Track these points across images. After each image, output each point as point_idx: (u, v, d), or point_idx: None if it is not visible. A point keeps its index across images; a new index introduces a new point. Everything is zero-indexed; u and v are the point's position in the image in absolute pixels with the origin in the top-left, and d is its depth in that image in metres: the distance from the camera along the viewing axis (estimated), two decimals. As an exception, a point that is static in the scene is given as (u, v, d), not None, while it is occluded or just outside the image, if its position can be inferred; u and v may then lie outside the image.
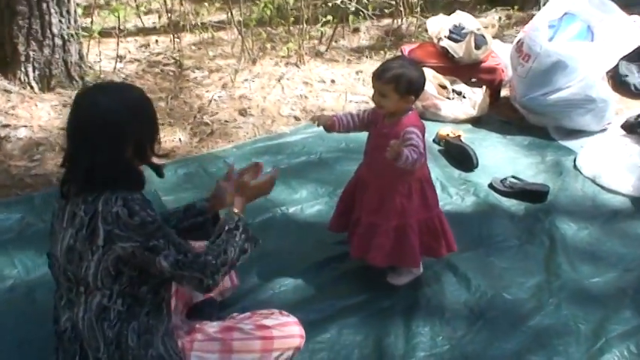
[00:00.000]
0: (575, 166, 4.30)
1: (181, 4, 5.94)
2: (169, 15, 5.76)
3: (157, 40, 5.78)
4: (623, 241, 3.62)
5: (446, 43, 4.95)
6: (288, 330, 2.51)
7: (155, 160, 2.31)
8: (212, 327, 2.47)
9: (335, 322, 2.94)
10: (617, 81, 5.25)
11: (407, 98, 2.84)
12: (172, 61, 5.39)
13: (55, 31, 4.48)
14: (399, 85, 2.79)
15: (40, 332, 2.74)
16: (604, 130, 4.71)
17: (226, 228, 2.34)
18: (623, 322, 3.04)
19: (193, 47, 5.72)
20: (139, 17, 5.82)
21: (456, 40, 4.93)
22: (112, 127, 2.13)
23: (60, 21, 4.48)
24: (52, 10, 4.41)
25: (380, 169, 2.96)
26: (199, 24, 5.94)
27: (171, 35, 5.68)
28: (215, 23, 6.10)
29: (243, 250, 2.34)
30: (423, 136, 2.89)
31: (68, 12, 4.51)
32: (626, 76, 5.37)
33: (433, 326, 2.96)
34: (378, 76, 2.85)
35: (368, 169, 3.08)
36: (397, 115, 2.89)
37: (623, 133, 4.63)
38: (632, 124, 4.58)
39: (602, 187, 4.10)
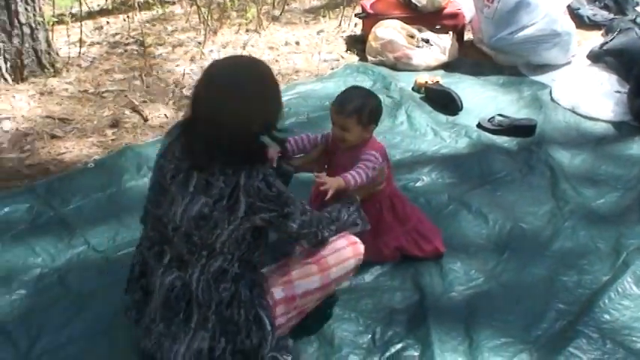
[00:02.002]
0: (552, 99, 4.47)
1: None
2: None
3: (107, 22, 5.66)
4: (615, 163, 3.81)
5: (408, -7, 5.03)
6: (354, 237, 2.64)
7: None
8: (298, 256, 2.54)
9: (368, 271, 2.99)
10: (571, 14, 5.42)
11: (368, 128, 2.79)
12: (132, 40, 5.30)
13: (23, 19, 4.34)
14: (361, 116, 2.73)
15: (79, 316, 2.74)
16: (570, 62, 4.90)
17: (342, 200, 2.58)
18: (637, 236, 3.21)
19: (147, 25, 5.63)
20: (80, 2, 5.63)
21: (418, -11, 5.01)
22: (251, 102, 2.19)
23: (26, 9, 4.33)
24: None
25: None
26: (149, 1, 5.86)
27: (124, 15, 5.60)
28: (163, -1, 6.03)
29: (354, 222, 2.57)
30: (384, 155, 2.87)
31: (33, 0, 4.37)
32: (578, 9, 5.58)
33: (463, 262, 3.06)
34: (339, 111, 2.75)
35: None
36: (357, 146, 2.82)
37: (589, 62, 4.83)
38: (597, 53, 4.78)
39: (583, 116, 4.29)
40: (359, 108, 2.72)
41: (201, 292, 2.28)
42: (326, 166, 2.94)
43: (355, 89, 2.95)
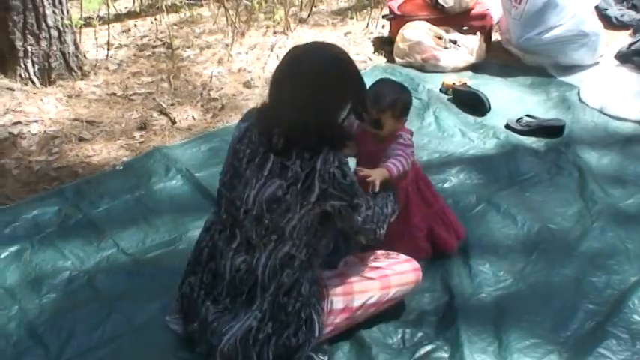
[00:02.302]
0: (580, 100, 4.44)
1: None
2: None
3: (135, 25, 5.71)
4: (643, 164, 3.79)
5: (435, -7, 5.02)
6: (416, 263, 2.73)
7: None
8: (361, 269, 2.58)
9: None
10: (599, 15, 5.38)
11: (401, 120, 2.82)
12: (160, 43, 5.35)
13: (51, 23, 4.39)
14: (395, 110, 2.76)
15: (109, 318, 2.77)
16: (597, 62, 4.86)
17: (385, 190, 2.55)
18: (666, 237, 3.19)
19: (175, 27, 5.67)
20: (107, 4, 5.63)
21: (445, -10, 5.00)
22: (342, 86, 2.24)
23: (54, 12, 4.39)
24: (45, 2, 4.33)
25: None
26: (177, 3, 5.90)
27: (152, 17, 5.66)
28: (190, 1, 6.05)
29: (394, 210, 2.56)
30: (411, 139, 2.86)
31: (60, 2, 4.43)
32: (606, 9, 5.54)
33: (492, 263, 3.05)
34: (374, 105, 2.71)
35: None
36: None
37: (617, 63, 4.80)
38: (625, 53, 4.75)
39: (611, 117, 4.25)
40: (393, 103, 2.74)
41: (267, 277, 2.32)
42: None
43: (387, 83, 2.96)
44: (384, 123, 2.76)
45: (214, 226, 2.49)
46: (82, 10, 5.27)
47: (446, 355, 2.59)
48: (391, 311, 2.77)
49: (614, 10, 5.58)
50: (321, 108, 2.21)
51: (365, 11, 5.88)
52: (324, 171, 2.20)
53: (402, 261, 2.67)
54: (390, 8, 5.28)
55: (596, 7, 5.36)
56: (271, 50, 5.19)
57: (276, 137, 2.25)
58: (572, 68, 4.79)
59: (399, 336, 2.68)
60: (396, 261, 2.66)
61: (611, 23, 5.48)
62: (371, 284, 2.54)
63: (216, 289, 2.43)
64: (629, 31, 5.37)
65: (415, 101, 4.20)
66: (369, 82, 4.45)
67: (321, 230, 2.35)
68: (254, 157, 2.30)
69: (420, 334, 2.69)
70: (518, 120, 4.10)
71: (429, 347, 2.63)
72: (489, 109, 4.27)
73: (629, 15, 5.57)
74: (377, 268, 2.60)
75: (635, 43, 4.80)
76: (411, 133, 2.87)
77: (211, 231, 2.50)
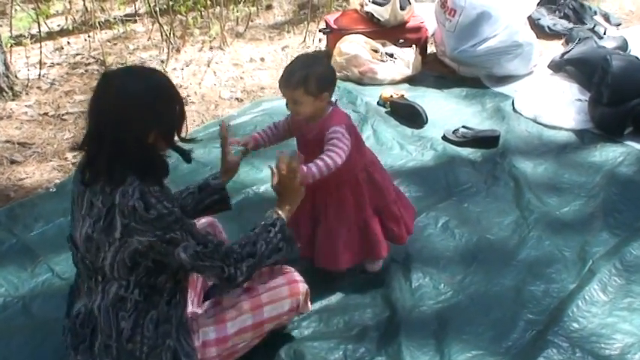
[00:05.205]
0: (514, 110, 4.50)
1: (86, 2, 5.78)
2: (82, 13, 5.61)
3: (68, 42, 5.61)
4: (578, 171, 3.85)
5: (371, 7, 5.05)
6: (295, 275, 2.56)
7: (181, 145, 2.27)
8: (235, 292, 2.44)
9: (339, 288, 2.99)
10: (532, 25, 5.48)
11: (321, 97, 2.63)
12: (93, 60, 5.26)
13: (-22, 43, 4.28)
14: (308, 86, 2.56)
15: (45, 344, 2.70)
16: (531, 72, 4.95)
17: (262, 223, 2.36)
18: (602, 244, 3.24)
19: (108, 44, 5.60)
20: (38, 22, 5.47)
21: (380, 4, 5.03)
22: (140, 111, 2.06)
23: (-18, 32, 4.28)
24: (-27, 22, 4.23)
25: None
26: (110, 19, 5.82)
27: (85, 35, 5.57)
28: (124, 17, 5.97)
29: (277, 248, 2.34)
30: (351, 128, 2.73)
31: (-12, 22, 4.33)
32: (539, 19, 5.65)
33: (432, 276, 3.06)
34: (284, 85, 2.61)
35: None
36: (318, 117, 2.69)
37: (551, 72, 4.89)
38: (558, 62, 4.83)
39: (545, 126, 4.32)
40: (303, 79, 2.56)
41: (103, 319, 2.18)
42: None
43: (300, 58, 2.77)
44: (300, 102, 2.60)
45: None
46: (11, 29, 5.15)
47: (388, 370, 2.58)
48: (332, 327, 2.77)
49: (547, 20, 5.70)
50: (120, 129, 2.04)
51: (302, 25, 5.88)
52: (123, 205, 2.02)
53: (276, 275, 2.53)
54: (326, 22, 5.29)
55: (530, 17, 5.46)
56: (208, 66, 5.15)
57: (80, 168, 2.17)
58: (506, 79, 4.86)
59: (341, 352, 2.66)
60: (269, 276, 2.52)
61: (544, 33, 5.61)
62: (241, 306, 2.41)
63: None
64: (562, 40, 5.48)
65: (353, 115, 4.26)
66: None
67: (155, 268, 2.15)
68: (77, 196, 2.18)
69: (361, 350, 2.67)
70: (455, 131, 4.14)
71: (371, 363, 2.61)
72: (426, 121, 4.30)
73: (561, 24, 5.70)
74: (250, 288, 2.46)
75: (567, 52, 4.89)
76: (349, 124, 2.73)
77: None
